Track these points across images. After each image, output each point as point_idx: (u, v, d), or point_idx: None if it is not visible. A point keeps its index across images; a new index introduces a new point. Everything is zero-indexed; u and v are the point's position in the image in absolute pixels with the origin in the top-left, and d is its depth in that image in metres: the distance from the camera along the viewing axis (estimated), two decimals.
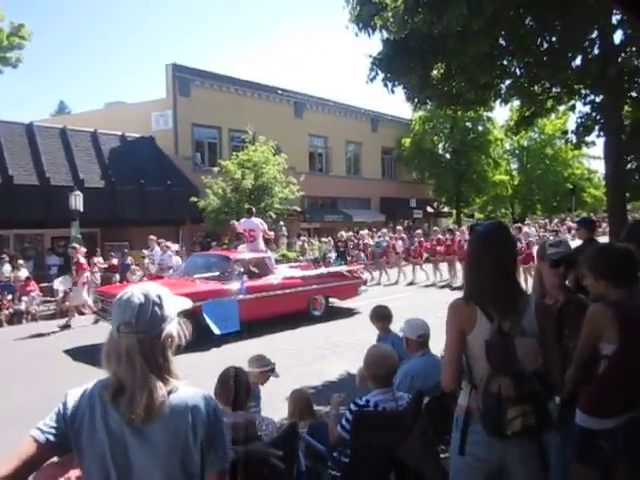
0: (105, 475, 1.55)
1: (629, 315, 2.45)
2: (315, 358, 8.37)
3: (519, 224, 20.11)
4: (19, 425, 2.13)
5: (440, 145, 33.40)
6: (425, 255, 17.97)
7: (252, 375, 3.91)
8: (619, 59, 7.68)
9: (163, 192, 19.46)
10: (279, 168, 19.25)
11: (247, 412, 2.97)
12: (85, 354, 8.31)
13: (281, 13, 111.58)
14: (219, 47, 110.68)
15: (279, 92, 26.04)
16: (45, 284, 14.72)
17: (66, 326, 11.44)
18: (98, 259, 16.01)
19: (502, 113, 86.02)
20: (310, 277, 11.54)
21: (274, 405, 4.76)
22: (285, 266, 12.85)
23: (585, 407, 2.58)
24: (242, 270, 10.49)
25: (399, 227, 20.88)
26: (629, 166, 9.42)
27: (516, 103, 10.61)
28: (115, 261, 15.96)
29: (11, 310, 13.02)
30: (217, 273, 10.58)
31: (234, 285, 9.85)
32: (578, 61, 8.17)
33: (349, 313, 11.98)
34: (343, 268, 13.40)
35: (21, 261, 14.90)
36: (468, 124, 31.54)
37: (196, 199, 17.95)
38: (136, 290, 1.63)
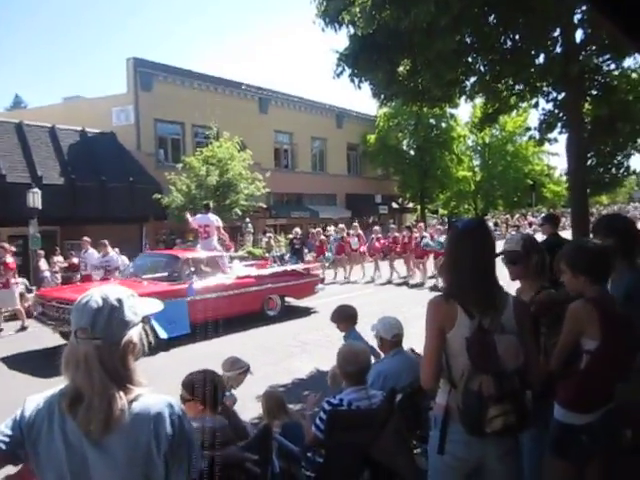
0: None
1: (608, 311, 2.49)
2: (284, 356, 8.32)
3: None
4: None
5: (404, 142, 33.69)
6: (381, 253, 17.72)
7: (230, 378, 3.84)
8: (580, 57, 7.84)
9: (125, 189, 19.03)
10: (244, 164, 19.08)
11: (220, 416, 2.87)
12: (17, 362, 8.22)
13: (247, 10, 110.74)
14: (184, 43, 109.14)
15: (243, 87, 25.79)
16: None
17: None
18: (58, 258, 15.59)
19: (464, 110, 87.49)
20: (264, 276, 11.19)
21: (246, 405, 4.70)
22: (240, 264, 12.45)
23: (565, 402, 2.59)
24: (192, 270, 10.13)
25: (355, 224, 20.41)
26: (589, 162, 9.66)
27: (480, 100, 10.76)
28: (76, 260, 15.50)
29: None
30: (166, 273, 10.25)
31: (183, 286, 9.48)
32: (541, 59, 8.30)
33: (306, 313, 11.70)
34: (299, 266, 13.11)
35: None
36: (432, 121, 31.88)
37: (159, 196, 17.63)
38: (95, 294, 1.54)
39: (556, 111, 9.00)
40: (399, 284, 15.83)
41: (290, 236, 19.33)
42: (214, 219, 11.47)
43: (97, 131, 21.00)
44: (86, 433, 1.44)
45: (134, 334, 1.55)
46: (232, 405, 3.82)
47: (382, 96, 8.87)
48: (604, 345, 2.45)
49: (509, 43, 8.18)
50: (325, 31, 7.59)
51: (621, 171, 10.81)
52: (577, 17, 7.84)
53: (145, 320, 1.62)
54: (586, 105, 9.03)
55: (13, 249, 12.11)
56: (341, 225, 19.47)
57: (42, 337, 9.15)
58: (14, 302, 11.15)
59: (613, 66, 8.63)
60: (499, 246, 2.75)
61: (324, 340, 8.43)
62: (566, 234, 10.22)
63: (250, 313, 10.50)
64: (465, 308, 2.18)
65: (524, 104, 10.74)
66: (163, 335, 8.49)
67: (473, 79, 8.73)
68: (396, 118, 31.61)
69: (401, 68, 8.28)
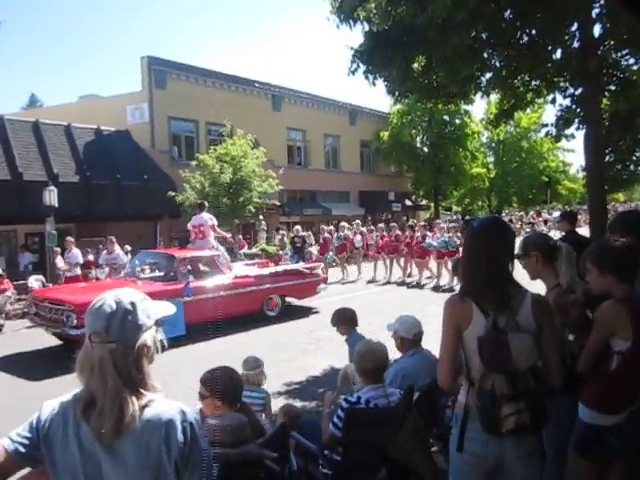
0: None
1: (639, 310, 2.44)
2: (297, 353, 8.33)
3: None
4: None
5: (418, 138, 33.58)
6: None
7: (250, 377, 3.85)
8: (598, 52, 7.73)
9: (140, 187, 19.14)
10: (257, 162, 19.09)
11: (238, 413, 2.86)
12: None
13: (259, 7, 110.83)
14: (197, 41, 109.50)
15: (256, 85, 25.82)
16: (20, 282, 14.34)
17: None
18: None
19: (478, 106, 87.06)
20: (264, 276, 10.95)
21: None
22: (241, 264, 12.28)
23: (592, 403, 2.56)
24: (189, 269, 9.97)
25: (357, 221, 20.01)
26: (607, 159, 9.53)
27: (496, 96, 10.65)
28: (91, 257, 15.64)
29: None
30: (162, 273, 10.17)
31: (179, 286, 9.26)
32: (558, 54, 8.18)
33: (307, 313, 11.49)
34: (300, 265, 12.83)
35: None
36: (445, 117, 31.73)
37: (173, 193, 17.71)
38: (109, 297, 1.55)
39: (573, 107, 8.87)
40: (400, 284, 15.45)
41: (291, 235, 19.12)
42: (207, 218, 11.09)
43: (112, 129, 21.13)
44: (98, 438, 1.45)
45: (148, 337, 1.56)
46: (269, 401, 3.95)
47: (397, 93, 8.80)
48: (636, 346, 2.41)
49: (526, 38, 8.07)
50: (340, 28, 7.55)
51: None
52: (595, 11, 7.73)
53: (158, 323, 1.63)
54: (604, 100, 8.90)
55: None
56: (342, 223, 19.01)
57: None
58: None
59: (632, 61, 8.48)
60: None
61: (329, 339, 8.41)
62: (582, 232, 10.12)
63: (249, 313, 10.28)
64: (480, 306, 2.17)
65: (540, 100, 10.62)
66: None
67: (489, 75, 8.64)
68: (409, 115, 31.51)
69: (416, 64, 8.22)
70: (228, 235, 11.26)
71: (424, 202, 35.92)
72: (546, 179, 36.02)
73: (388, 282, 15.87)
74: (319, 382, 6.69)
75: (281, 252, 17.95)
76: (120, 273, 11.60)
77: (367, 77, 8.05)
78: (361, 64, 7.92)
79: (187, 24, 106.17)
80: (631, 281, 2.53)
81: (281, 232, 20.65)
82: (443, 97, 9.13)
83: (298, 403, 5.89)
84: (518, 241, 2.77)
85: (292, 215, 26.47)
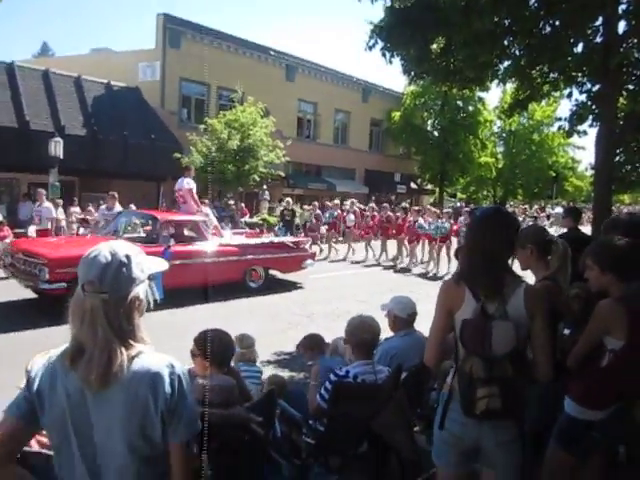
0: (65, 438, 1.53)
1: (637, 311, 2.45)
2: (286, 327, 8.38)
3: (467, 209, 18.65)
4: None
5: (429, 122, 33.21)
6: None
7: (249, 353, 3.95)
8: (621, 49, 7.60)
9: (146, 145, 19.04)
10: (266, 131, 18.98)
11: (227, 376, 2.91)
12: None
13: None
14: (215, 2, 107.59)
15: (272, 53, 25.50)
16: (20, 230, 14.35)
17: None
18: (75, 209, 15.68)
19: (493, 95, 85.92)
20: (248, 246, 10.66)
21: None
22: (229, 232, 11.98)
23: (581, 399, 2.59)
24: (171, 233, 9.77)
25: (353, 199, 19.69)
26: (617, 159, 9.44)
27: (512, 85, 10.51)
28: (99, 212, 15.58)
29: None
30: (144, 234, 10.02)
31: (159, 249, 8.85)
32: (580, 48, 8.06)
33: (291, 287, 11.34)
34: (288, 239, 12.44)
35: None
36: (459, 103, 31.36)
37: (179, 155, 17.61)
38: (104, 249, 1.56)
39: (589, 103, 8.76)
40: (387, 267, 15.17)
41: (280, 208, 18.88)
42: (185, 183, 10.77)
43: (122, 85, 20.93)
44: (86, 385, 1.47)
45: (140, 290, 1.58)
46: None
47: (413, 73, 8.68)
48: (630, 346, 2.43)
49: (548, 28, 7.92)
50: (361, 1, 7.43)
51: None
52: (622, 7, 7.58)
53: (151, 278, 1.65)
54: (621, 99, 8.79)
55: None
56: (336, 200, 18.72)
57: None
58: None
59: None
60: None
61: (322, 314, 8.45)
62: (584, 230, 10.10)
63: (230, 283, 9.99)
64: (473, 291, 2.22)
65: (557, 93, 10.47)
66: None
67: (507, 63, 8.50)
68: (423, 97, 31.13)
69: (434, 46, 8.08)
70: (196, 207, 10.81)
71: (429, 187, 35.76)
72: (554, 174, 35.79)
73: (378, 264, 15.59)
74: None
75: (281, 224, 17.91)
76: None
77: (384, 54, 7.93)
78: (379, 40, 7.78)
79: None
80: (631, 281, 2.53)
81: (283, 204, 20.61)
82: (459, 81, 9.00)
83: (287, 373, 5.96)
84: None
85: (296, 188, 26.38)
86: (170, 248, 9.12)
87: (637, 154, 9.92)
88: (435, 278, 13.31)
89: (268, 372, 5.64)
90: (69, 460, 1.54)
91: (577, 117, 8.94)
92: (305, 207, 20.62)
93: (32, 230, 13.31)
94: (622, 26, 7.79)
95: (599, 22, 7.85)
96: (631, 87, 8.56)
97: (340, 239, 17.76)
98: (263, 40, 43.73)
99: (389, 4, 7.42)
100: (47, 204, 12.73)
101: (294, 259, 11.40)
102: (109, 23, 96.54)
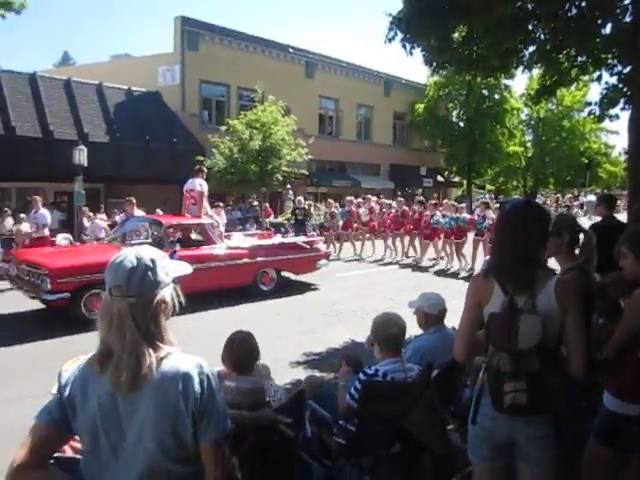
0: (96, 442, 1.56)
1: None
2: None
3: (487, 201, 17.58)
4: None
5: (454, 112, 32.49)
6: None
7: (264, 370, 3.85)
8: None
9: (168, 149, 19.13)
10: (288, 129, 18.82)
11: (256, 377, 2.97)
12: None
13: None
14: (232, 2, 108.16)
15: (290, 50, 25.35)
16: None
17: None
18: (101, 216, 15.82)
19: (519, 82, 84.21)
20: (258, 248, 10.37)
21: (278, 370, 4.70)
22: (240, 235, 11.73)
23: (618, 392, 2.56)
24: (177, 237, 9.65)
25: (369, 195, 19.14)
26: None
27: (538, 71, 10.16)
28: (118, 218, 15.72)
29: None
30: (149, 239, 9.96)
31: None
32: (608, 29, 7.70)
33: (305, 289, 11.00)
34: (300, 239, 11.99)
35: (23, 215, 14.66)
36: (484, 92, 30.62)
37: (202, 158, 17.57)
38: (129, 254, 1.60)
39: (620, 85, 8.38)
40: (404, 265, 14.54)
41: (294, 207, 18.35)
42: (197, 184, 10.47)
43: (143, 90, 21.08)
44: (116, 388, 1.50)
45: (166, 293, 1.61)
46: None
47: (434, 63, 8.47)
48: None
49: (574, 10, 7.59)
50: None
51: None
52: None
53: (176, 281, 1.67)
54: None
55: None
56: (349, 197, 18.18)
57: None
58: None
59: None
60: None
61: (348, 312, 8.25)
62: (620, 218, 9.68)
63: (241, 287, 9.85)
64: (502, 285, 2.20)
65: (585, 77, 10.07)
66: None
67: (532, 48, 8.21)
68: (447, 87, 30.54)
69: (456, 34, 7.86)
70: (210, 212, 10.73)
71: (457, 179, 35.16)
72: (586, 161, 34.81)
73: (392, 262, 15.05)
74: (339, 355, 6.62)
75: (306, 223, 17.71)
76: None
77: (404, 46, 7.75)
78: (399, 32, 7.62)
79: None
80: None
81: (307, 202, 20.44)
82: (483, 70, 8.73)
83: (317, 374, 5.85)
84: None
85: (320, 186, 26.22)
86: (176, 253, 8.94)
87: None
88: (454, 275, 12.93)
89: (297, 373, 5.79)
90: (99, 464, 1.57)
91: (608, 101, 8.61)
92: (319, 205, 20.44)
93: (60, 239, 13.43)
94: None
95: (628, 0, 7.49)
96: None
97: (355, 234, 17.01)
98: (281, 38, 43.62)
99: None
100: (42, 211, 12.60)
101: (307, 260, 11.09)
102: (127, 29, 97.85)
